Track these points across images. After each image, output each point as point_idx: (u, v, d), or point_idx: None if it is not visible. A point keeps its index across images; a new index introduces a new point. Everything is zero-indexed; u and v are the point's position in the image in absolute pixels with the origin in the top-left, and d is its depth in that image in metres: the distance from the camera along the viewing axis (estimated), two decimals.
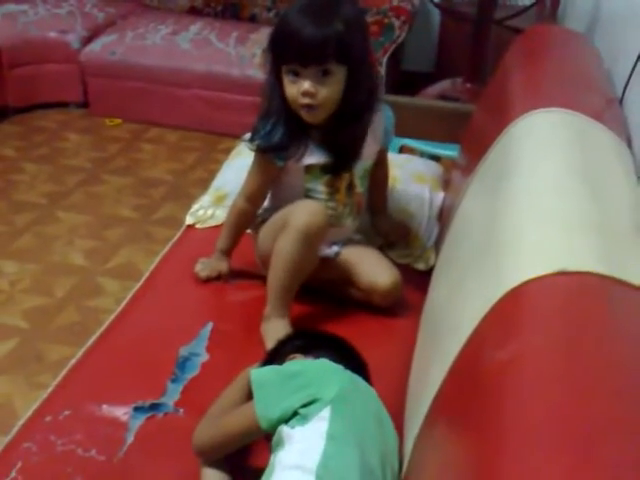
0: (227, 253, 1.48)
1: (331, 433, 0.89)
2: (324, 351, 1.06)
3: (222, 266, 1.47)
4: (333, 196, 1.41)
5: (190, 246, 1.62)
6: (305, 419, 0.92)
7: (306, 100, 1.27)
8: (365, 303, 1.41)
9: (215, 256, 1.48)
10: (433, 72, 3.32)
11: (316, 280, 1.43)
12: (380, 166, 1.52)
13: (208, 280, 1.46)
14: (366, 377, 1.05)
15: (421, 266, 1.55)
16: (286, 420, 0.94)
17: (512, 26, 2.58)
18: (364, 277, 1.40)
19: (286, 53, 1.27)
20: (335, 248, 1.46)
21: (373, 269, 1.41)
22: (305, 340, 1.10)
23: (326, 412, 0.92)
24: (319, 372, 0.99)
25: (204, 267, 1.47)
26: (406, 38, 3.06)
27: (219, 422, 1.03)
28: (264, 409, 0.95)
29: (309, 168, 1.38)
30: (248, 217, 1.46)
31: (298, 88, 1.26)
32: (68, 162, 2.92)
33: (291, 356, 1.06)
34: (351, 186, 1.43)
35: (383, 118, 1.43)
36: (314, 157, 1.37)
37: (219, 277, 1.47)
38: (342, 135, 1.34)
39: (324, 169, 1.38)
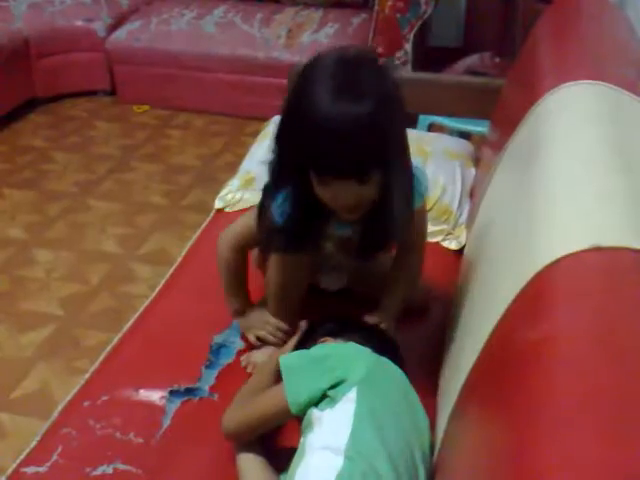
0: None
1: (359, 414, 0.90)
2: (354, 334, 1.06)
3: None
4: (340, 250, 1.22)
5: (220, 230, 1.62)
6: (333, 401, 0.93)
7: (344, 207, 1.05)
8: None
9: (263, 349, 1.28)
10: (461, 47, 3.28)
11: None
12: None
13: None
14: (397, 359, 1.05)
15: (453, 245, 1.54)
16: (315, 403, 0.94)
17: None
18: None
19: (314, 162, 0.99)
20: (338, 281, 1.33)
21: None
22: (336, 324, 1.11)
23: (353, 393, 0.92)
24: (346, 354, 0.99)
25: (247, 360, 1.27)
26: (432, 13, 3.02)
27: (249, 405, 1.03)
28: (294, 394, 0.96)
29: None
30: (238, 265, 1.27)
31: (333, 196, 1.02)
32: (98, 150, 2.95)
33: (321, 340, 1.07)
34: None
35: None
36: (330, 228, 1.15)
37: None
38: (373, 228, 1.11)
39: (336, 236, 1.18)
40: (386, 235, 1.13)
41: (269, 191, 1.09)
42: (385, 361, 1.01)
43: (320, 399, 0.94)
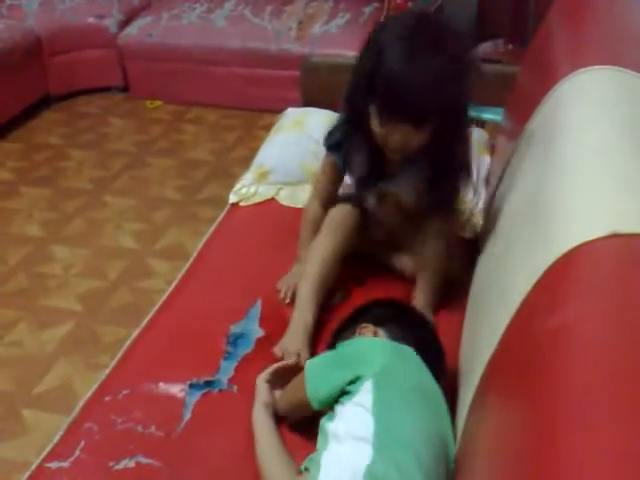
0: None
1: (378, 404, 0.92)
2: (396, 327, 1.09)
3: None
4: (380, 206, 1.35)
5: (235, 225, 1.63)
6: (352, 394, 0.96)
7: (393, 148, 1.20)
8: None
9: (295, 267, 1.41)
10: (473, 34, 3.25)
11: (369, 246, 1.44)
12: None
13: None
14: (438, 358, 1.08)
15: (468, 234, 1.53)
16: (336, 398, 0.98)
17: None
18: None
19: (377, 99, 1.15)
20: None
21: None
22: (384, 312, 1.13)
23: (369, 385, 0.95)
24: (362, 350, 1.03)
25: (283, 283, 1.38)
26: (444, 1, 2.99)
27: (284, 400, 1.11)
28: (313, 391, 1.02)
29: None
30: (320, 221, 1.41)
31: (386, 136, 1.17)
32: (113, 147, 2.96)
33: (363, 325, 1.10)
34: (400, 204, 1.34)
35: None
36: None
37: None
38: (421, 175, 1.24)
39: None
40: (449, 181, 1.25)
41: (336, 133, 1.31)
42: (405, 352, 1.03)
43: (340, 394, 0.98)
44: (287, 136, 1.82)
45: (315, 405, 1.01)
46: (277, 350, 1.21)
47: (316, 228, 1.39)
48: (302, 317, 1.25)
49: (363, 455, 0.87)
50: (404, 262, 1.42)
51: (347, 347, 1.07)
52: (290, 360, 1.17)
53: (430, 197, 1.26)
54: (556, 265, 0.80)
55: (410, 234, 1.39)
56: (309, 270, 1.31)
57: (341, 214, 1.37)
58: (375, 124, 1.17)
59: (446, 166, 1.21)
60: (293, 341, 1.22)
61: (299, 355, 1.19)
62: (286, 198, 1.66)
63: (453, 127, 1.16)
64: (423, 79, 1.08)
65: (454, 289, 1.38)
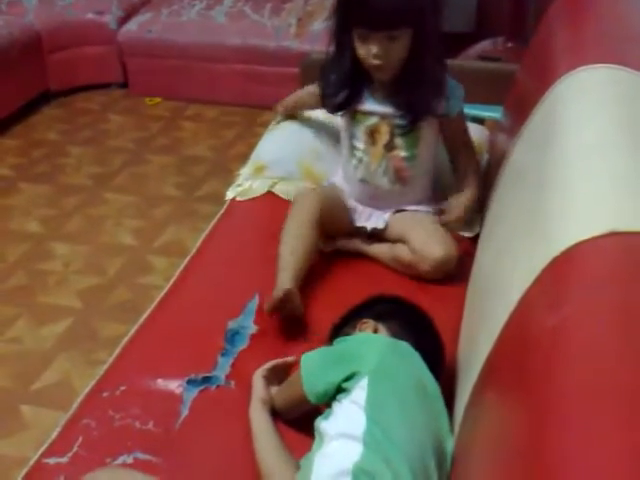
0: (286, 110, 1.76)
1: (371, 402, 0.92)
2: (396, 323, 1.09)
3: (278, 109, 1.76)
4: (369, 149, 1.44)
5: (234, 221, 1.63)
6: (348, 392, 0.96)
7: (376, 61, 1.35)
8: (414, 276, 1.40)
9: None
10: (473, 32, 3.24)
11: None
12: (451, 140, 1.51)
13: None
14: (437, 353, 1.08)
15: (467, 233, 1.53)
16: (333, 395, 0.99)
17: None
18: (416, 245, 1.39)
19: (354, 17, 1.33)
20: (377, 219, 1.46)
21: (426, 238, 1.39)
22: (384, 308, 1.14)
23: (364, 382, 0.95)
24: (359, 347, 1.03)
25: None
26: None
27: (281, 396, 1.10)
28: (310, 386, 1.02)
29: (356, 112, 1.45)
30: (312, 98, 1.62)
31: (367, 50, 1.34)
32: (112, 143, 2.96)
33: (363, 321, 1.10)
34: (391, 147, 1.42)
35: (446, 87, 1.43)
36: (365, 104, 1.44)
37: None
38: (405, 89, 1.39)
39: (369, 115, 1.44)
40: (422, 90, 1.39)
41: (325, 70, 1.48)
42: (401, 348, 1.02)
43: (337, 391, 0.98)
44: (285, 131, 1.82)
45: (312, 399, 1.02)
46: (275, 294, 1.25)
47: (305, 97, 1.67)
48: (287, 269, 1.31)
49: (353, 452, 0.87)
50: (399, 250, 1.43)
51: (344, 343, 1.07)
52: (288, 358, 1.18)
53: (400, 100, 1.40)
54: (555, 263, 0.80)
55: (399, 200, 1.48)
56: (284, 242, 1.37)
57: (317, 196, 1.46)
58: (357, 43, 1.34)
59: (416, 76, 1.37)
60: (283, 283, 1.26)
61: (291, 295, 1.24)
62: (280, 193, 1.67)
63: (425, 40, 1.34)
64: None
65: (453, 284, 1.38)
